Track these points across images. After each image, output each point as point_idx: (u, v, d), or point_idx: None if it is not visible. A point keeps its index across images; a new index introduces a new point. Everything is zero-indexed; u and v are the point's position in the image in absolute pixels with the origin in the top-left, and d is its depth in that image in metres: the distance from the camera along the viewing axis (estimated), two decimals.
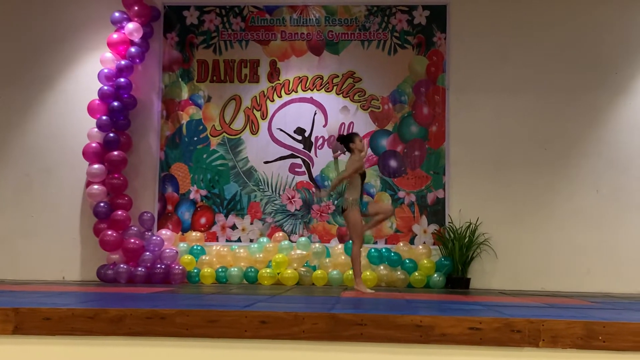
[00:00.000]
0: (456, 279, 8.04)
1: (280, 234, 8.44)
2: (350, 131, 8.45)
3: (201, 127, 8.74)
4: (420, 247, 8.26)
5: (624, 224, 8.26)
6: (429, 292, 7.28)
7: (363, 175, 6.90)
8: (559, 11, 8.54)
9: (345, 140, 6.96)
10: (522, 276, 8.18)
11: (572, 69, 8.45)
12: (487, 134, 8.46)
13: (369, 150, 8.42)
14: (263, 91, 8.73)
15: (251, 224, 8.57)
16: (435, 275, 8.02)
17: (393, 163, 8.53)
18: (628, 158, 8.35)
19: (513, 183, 8.37)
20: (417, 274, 7.99)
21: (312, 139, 8.63)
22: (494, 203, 8.33)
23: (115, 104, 8.36)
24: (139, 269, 7.95)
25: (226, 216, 8.60)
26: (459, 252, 8.05)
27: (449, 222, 8.29)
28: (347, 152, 6.96)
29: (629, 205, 8.28)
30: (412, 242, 8.38)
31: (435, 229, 8.39)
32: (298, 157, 8.63)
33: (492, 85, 8.49)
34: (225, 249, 8.35)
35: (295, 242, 8.34)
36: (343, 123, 8.61)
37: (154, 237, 8.24)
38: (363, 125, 8.57)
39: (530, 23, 8.56)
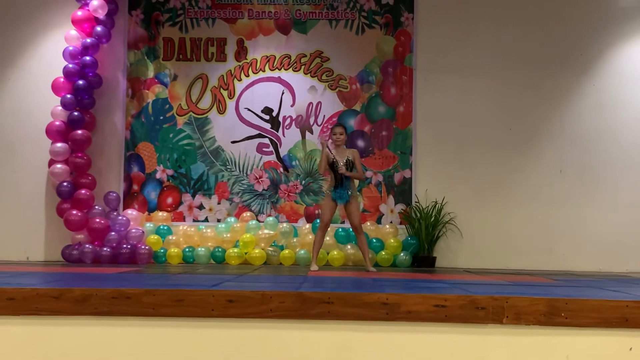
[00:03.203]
0: (422, 257, 8.12)
1: (248, 213, 8.43)
2: (317, 112, 8.48)
3: (167, 106, 8.65)
4: (387, 226, 8.32)
5: (586, 203, 8.40)
6: (396, 270, 7.34)
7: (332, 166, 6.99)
8: None
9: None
10: (487, 255, 8.29)
11: (537, 50, 8.52)
12: (454, 115, 8.51)
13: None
14: (230, 70, 8.67)
15: (218, 203, 8.54)
16: (402, 254, 8.09)
17: (361, 143, 8.55)
18: (592, 138, 8.47)
19: (478, 163, 8.45)
20: (383, 252, 8.05)
21: (280, 119, 8.61)
22: (460, 183, 8.41)
23: (80, 82, 8.23)
24: (105, 249, 7.89)
25: (193, 196, 8.55)
26: (425, 231, 8.12)
27: (416, 202, 8.36)
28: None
29: (592, 185, 8.42)
30: (379, 221, 8.43)
31: (402, 209, 8.45)
32: (266, 136, 8.60)
33: (459, 66, 8.54)
34: (192, 229, 8.31)
35: (263, 221, 8.34)
36: (311, 103, 8.59)
37: (120, 217, 8.17)
38: (331, 105, 8.57)
39: (496, 3, 8.60)
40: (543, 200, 8.40)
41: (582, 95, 8.53)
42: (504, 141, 8.47)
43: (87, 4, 8.34)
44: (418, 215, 8.22)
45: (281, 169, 8.51)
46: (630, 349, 3.63)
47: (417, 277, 6.07)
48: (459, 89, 8.54)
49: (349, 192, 6.89)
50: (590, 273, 7.65)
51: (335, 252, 7.98)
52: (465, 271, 7.41)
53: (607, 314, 3.66)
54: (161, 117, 8.64)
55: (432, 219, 8.18)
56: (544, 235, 8.34)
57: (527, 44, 8.53)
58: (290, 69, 8.65)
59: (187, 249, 8.13)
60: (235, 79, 8.66)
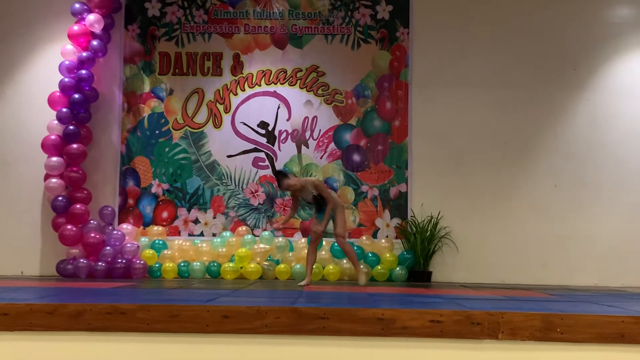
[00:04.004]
0: (418, 272, 8.11)
1: (244, 228, 8.41)
2: (313, 126, 8.52)
3: (163, 120, 8.66)
4: (383, 240, 8.31)
5: (581, 217, 8.41)
6: (391, 285, 7.33)
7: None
8: (520, 7, 8.65)
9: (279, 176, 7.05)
10: (482, 269, 8.28)
11: (532, 65, 8.56)
12: (449, 129, 8.53)
13: (332, 144, 8.50)
14: (226, 84, 8.68)
15: (214, 218, 8.52)
16: (398, 268, 8.07)
17: (356, 157, 8.56)
18: (586, 153, 8.50)
19: (474, 177, 8.46)
20: (379, 267, 8.04)
21: (276, 133, 8.61)
22: (455, 197, 8.42)
23: (76, 96, 8.23)
24: (100, 263, 7.86)
25: (189, 210, 8.54)
26: (421, 245, 8.12)
27: (411, 216, 8.36)
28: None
29: (586, 200, 8.43)
30: (374, 235, 8.43)
31: (397, 223, 8.44)
32: (261, 151, 8.61)
33: (454, 81, 8.57)
34: (187, 244, 8.29)
35: (259, 236, 8.32)
36: (307, 117, 8.61)
37: (115, 232, 8.15)
38: (327, 119, 8.59)
39: (491, 19, 8.66)
40: (538, 215, 8.40)
41: (576, 110, 8.56)
42: (499, 156, 8.49)
43: (83, 19, 8.36)
44: (414, 229, 8.22)
45: (277, 184, 8.49)
46: None
47: (412, 292, 6.06)
48: (454, 104, 8.56)
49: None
50: (586, 288, 7.64)
51: (331, 267, 7.97)
52: (461, 286, 7.40)
53: (603, 330, 3.66)
54: (157, 132, 8.64)
55: (428, 233, 8.18)
56: (539, 249, 8.33)
57: (522, 60, 8.57)
58: (286, 83, 8.67)
59: (182, 264, 8.11)
60: (231, 93, 8.67)
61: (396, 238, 8.40)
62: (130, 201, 8.55)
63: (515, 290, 6.59)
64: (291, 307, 3.76)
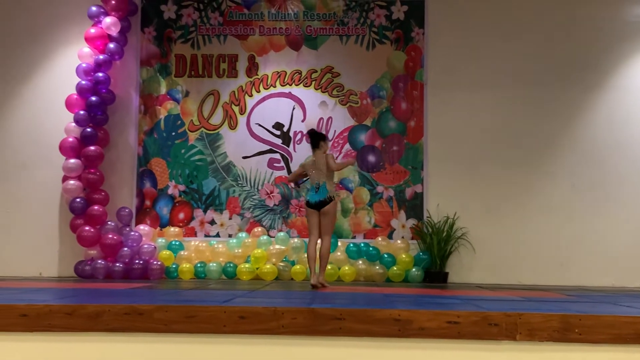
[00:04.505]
0: (434, 273, 8.09)
1: (259, 229, 8.43)
2: (328, 127, 8.51)
3: (179, 122, 8.70)
4: (399, 241, 8.29)
5: (599, 218, 8.35)
6: (407, 286, 7.32)
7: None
8: (537, 7, 8.61)
9: (320, 138, 6.84)
10: (499, 270, 8.25)
11: (548, 65, 8.51)
12: (465, 129, 8.50)
13: (348, 145, 8.49)
14: (241, 86, 8.71)
15: (230, 219, 8.55)
16: (414, 269, 8.06)
17: (371, 158, 8.55)
18: (603, 153, 8.44)
19: (490, 178, 8.43)
20: (395, 268, 8.03)
21: (291, 134, 8.63)
22: (472, 197, 8.38)
23: (94, 98, 8.29)
24: (117, 264, 7.91)
25: (205, 211, 8.57)
26: (437, 246, 8.10)
27: (427, 217, 8.34)
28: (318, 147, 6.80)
29: (603, 200, 8.37)
30: (390, 236, 8.42)
31: (413, 224, 8.43)
32: (277, 152, 8.62)
33: (470, 81, 8.54)
34: (203, 244, 8.33)
35: (274, 237, 8.34)
36: (322, 118, 8.61)
37: (132, 233, 8.20)
38: (342, 120, 8.59)
39: (507, 19, 8.62)
40: (555, 215, 8.36)
41: (592, 110, 8.50)
42: (515, 155, 8.45)
43: (100, 22, 8.42)
44: (430, 230, 8.20)
45: (292, 184, 8.52)
46: None
47: (429, 293, 6.05)
48: (470, 104, 8.53)
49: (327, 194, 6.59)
50: (604, 288, 7.59)
51: (347, 268, 7.97)
52: (477, 287, 7.37)
53: (621, 330, 3.64)
54: (173, 133, 8.68)
55: (444, 234, 8.15)
56: (557, 250, 8.29)
57: (538, 60, 8.52)
58: (301, 84, 8.68)
59: (198, 265, 8.14)
60: (246, 94, 8.70)
61: (412, 239, 8.38)
62: (147, 202, 8.60)
63: (532, 291, 6.56)
64: (308, 308, 3.77)
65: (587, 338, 3.63)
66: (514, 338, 3.65)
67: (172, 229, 8.49)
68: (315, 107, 8.64)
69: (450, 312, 3.74)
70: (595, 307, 4.60)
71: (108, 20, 8.35)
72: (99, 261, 7.94)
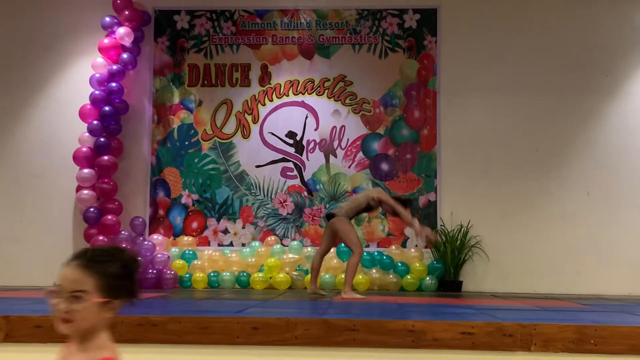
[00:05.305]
0: (448, 282, 8.05)
1: (272, 238, 8.43)
2: (341, 136, 8.51)
3: (192, 131, 8.72)
4: (413, 250, 8.26)
5: (614, 225, 8.28)
6: (421, 295, 7.29)
7: (369, 209, 6.87)
8: (549, 13, 8.57)
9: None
10: (514, 278, 8.19)
11: (562, 71, 8.47)
12: (478, 137, 8.47)
13: (361, 153, 8.49)
14: (254, 95, 8.73)
15: (243, 228, 8.55)
16: (428, 278, 8.02)
17: (385, 166, 8.54)
18: (618, 160, 8.38)
19: (504, 185, 8.38)
20: (409, 277, 8.00)
21: (304, 143, 8.63)
22: (485, 206, 8.34)
23: (107, 108, 8.33)
24: None
25: (218, 220, 8.58)
26: (451, 255, 8.06)
27: (441, 225, 8.30)
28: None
29: (619, 207, 8.31)
30: (404, 245, 8.39)
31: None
32: (290, 160, 8.63)
33: (483, 89, 8.51)
34: (217, 254, 8.33)
35: (288, 246, 8.33)
36: (334, 126, 8.61)
37: (146, 242, 8.22)
38: (354, 128, 8.58)
39: (520, 26, 8.59)
40: (570, 223, 8.29)
41: (607, 117, 8.45)
42: (529, 163, 8.40)
43: (113, 32, 8.47)
44: (443, 238, 8.17)
45: (305, 193, 8.52)
46: None
47: (443, 302, 6.02)
48: (483, 112, 8.50)
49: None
50: (620, 297, 7.52)
51: (360, 276, 7.94)
52: (492, 295, 7.33)
53: (638, 341, 3.60)
54: (186, 143, 8.71)
55: (458, 242, 8.11)
56: (572, 258, 8.22)
57: (551, 66, 8.48)
58: (314, 93, 8.69)
59: (212, 274, 8.15)
60: (259, 103, 8.72)
61: (426, 247, 8.34)
62: (161, 212, 8.62)
63: (547, 300, 6.51)
64: (321, 319, 3.76)
65: (603, 349, 3.60)
66: (528, 349, 3.62)
67: (185, 238, 8.51)
68: (328, 116, 8.64)
69: (465, 322, 3.72)
70: (611, 317, 4.56)
71: (121, 30, 8.40)
72: None
